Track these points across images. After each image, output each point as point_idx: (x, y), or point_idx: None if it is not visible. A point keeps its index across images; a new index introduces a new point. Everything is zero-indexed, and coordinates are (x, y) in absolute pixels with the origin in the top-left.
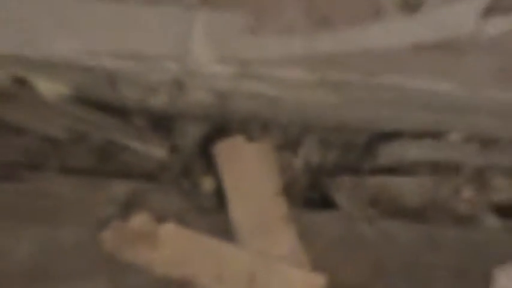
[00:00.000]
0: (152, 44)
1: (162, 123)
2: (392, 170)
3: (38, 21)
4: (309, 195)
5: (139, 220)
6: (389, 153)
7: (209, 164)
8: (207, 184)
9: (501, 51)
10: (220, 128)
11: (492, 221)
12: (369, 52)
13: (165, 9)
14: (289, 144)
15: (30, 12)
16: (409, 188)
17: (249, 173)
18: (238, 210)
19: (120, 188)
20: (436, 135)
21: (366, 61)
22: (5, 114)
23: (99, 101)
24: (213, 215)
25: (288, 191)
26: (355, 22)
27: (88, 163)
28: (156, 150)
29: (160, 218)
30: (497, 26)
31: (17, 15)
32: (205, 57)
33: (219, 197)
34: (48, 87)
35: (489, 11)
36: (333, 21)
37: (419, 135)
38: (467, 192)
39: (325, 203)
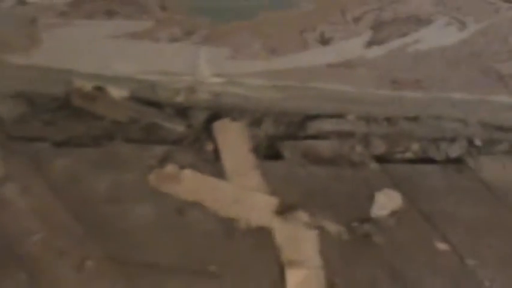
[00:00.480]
0: (176, 65)
1: (182, 111)
2: (315, 137)
3: (111, 54)
4: (267, 152)
5: (170, 168)
6: (314, 127)
7: (210, 135)
8: (209, 146)
9: (380, 67)
10: (216, 113)
11: (373, 166)
12: (301, 68)
13: (182, 44)
14: (255, 123)
15: (107, 49)
16: (325, 146)
17: (233, 140)
18: (227, 161)
19: (158, 150)
20: (340, 115)
21: (300, 74)
22: (90, 108)
23: (146, 99)
24: (213, 164)
25: (255, 150)
26: (292, 51)
27: (140, 136)
28: (179, 127)
29: (182, 167)
30: (375, 52)
31: (99, 51)
32: (206, 72)
33: (216, 154)
34: (116, 91)
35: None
36: (279, 50)
37: (331, 116)
38: (359, 149)
39: (277, 156)
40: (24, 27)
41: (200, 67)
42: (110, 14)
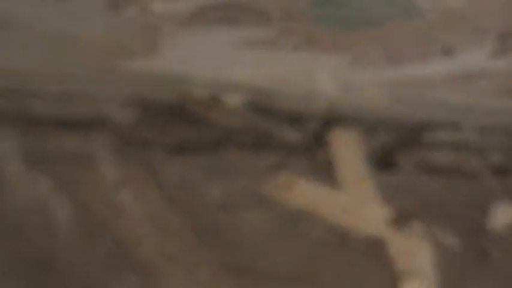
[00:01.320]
0: (294, 73)
1: (296, 119)
2: (430, 147)
3: (230, 62)
4: (381, 162)
5: (283, 176)
6: (429, 137)
7: (323, 143)
8: (322, 155)
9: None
10: (330, 122)
11: (490, 177)
12: (420, 78)
13: (303, 53)
14: (369, 131)
15: (226, 56)
16: (440, 157)
17: (346, 149)
18: (340, 170)
19: (272, 157)
20: (456, 126)
21: (418, 83)
22: (205, 115)
23: (261, 107)
24: (326, 173)
25: (369, 159)
26: (413, 60)
27: (253, 143)
28: (293, 135)
29: (295, 175)
30: (497, 63)
31: (218, 59)
32: (324, 81)
33: (329, 162)
34: (231, 99)
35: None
36: (399, 60)
37: (447, 126)
38: (475, 160)
39: (391, 166)
40: (145, 35)
41: (318, 75)
42: (232, 22)
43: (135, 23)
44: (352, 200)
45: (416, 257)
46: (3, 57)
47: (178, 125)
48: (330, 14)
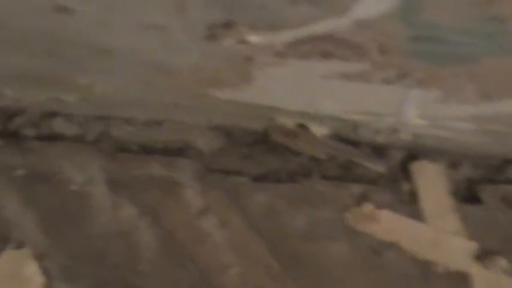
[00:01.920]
0: (382, 106)
1: (379, 150)
2: None
3: (318, 93)
4: (466, 195)
5: (367, 207)
6: None
7: (407, 175)
8: (406, 187)
9: None
10: (414, 154)
11: None
12: (510, 114)
13: (394, 86)
14: (454, 165)
15: (315, 88)
16: None
17: (430, 182)
18: (424, 203)
19: (355, 188)
20: None
21: (508, 119)
22: (289, 143)
23: (345, 137)
24: (410, 205)
25: (454, 193)
26: (505, 96)
27: (337, 173)
28: (377, 166)
29: (379, 206)
30: None
31: (307, 90)
32: (412, 114)
33: (413, 195)
34: (317, 129)
35: None
36: (491, 96)
37: None
38: None
39: (475, 200)
40: (238, 65)
41: (406, 109)
42: (326, 55)
43: (230, 53)
44: (436, 233)
45: None
46: (98, 84)
47: (263, 153)
48: (426, 50)
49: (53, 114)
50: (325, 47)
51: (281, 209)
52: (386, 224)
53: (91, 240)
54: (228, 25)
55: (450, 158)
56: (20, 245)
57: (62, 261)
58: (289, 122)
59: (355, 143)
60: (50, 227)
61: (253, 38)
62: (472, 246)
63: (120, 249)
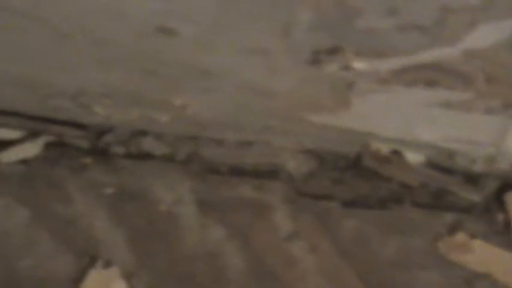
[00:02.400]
0: (482, 135)
1: (473, 179)
2: None
3: (417, 120)
4: None
5: (460, 236)
6: None
7: (502, 205)
8: (500, 217)
9: None
10: (509, 183)
11: None
12: None
13: (497, 116)
14: None
15: (414, 115)
16: None
17: None
18: None
19: (448, 217)
20: None
21: None
22: (381, 169)
23: (440, 165)
24: (504, 236)
25: None
26: None
27: (429, 201)
28: (472, 195)
29: (472, 236)
30: None
31: (406, 117)
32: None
33: (507, 225)
34: (412, 156)
35: None
36: None
37: None
38: None
39: None
40: (338, 90)
41: (507, 138)
42: (430, 83)
43: (331, 79)
44: None
45: None
46: (193, 104)
47: (354, 178)
48: None
49: (142, 133)
50: (431, 75)
51: (372, 236)
52: (480, 254)
53: (179, 260)
54: (333, 51)
55: None
56: (108, 264)
57: (149, 281)
58: (383, 148)
59: (448, 171)
60: (138, 247)
61: (358, 64)
62: None
63: (207, 271)
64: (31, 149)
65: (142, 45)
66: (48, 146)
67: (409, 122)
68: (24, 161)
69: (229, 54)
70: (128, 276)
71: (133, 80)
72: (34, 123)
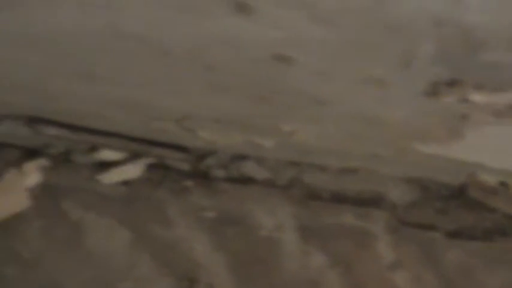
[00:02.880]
0: None
1: None
2: None
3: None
4: None
5: None
6: None
7: None
8: None
9: None
10: None
11: None
12: None
13: None
14: None
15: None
16: None
17: None
18: None
19: None
20: None
21: None
22: (487, 201)
23: None
24: None
25: None
26: None
27: None
28: None
29: None
30: None
31: (508, 152)
32: None
33: None
34: None
35: None
36: None
37: None
38: None
39: None
40: (451, 122)
41: None
42: None
43: (446, 110)
44: None
45: None
46: (301, 131)
47: (458, 208)
48: None
49: (243, 157)
50: None
51: (476, 267)
52: None
53: (279, 286)
54: (452, 83)
55: None
56: None
57: None
58: (490, 179)
59: None
60: (238, 271)
61: (477, 97)
62: None
63: None
64: (133, 171)
65: (256, 72)
66: (149, 168)
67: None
68: (125, 183)
69: (345, 83)
70: None
71: (244, 106)
72: (136, 145)
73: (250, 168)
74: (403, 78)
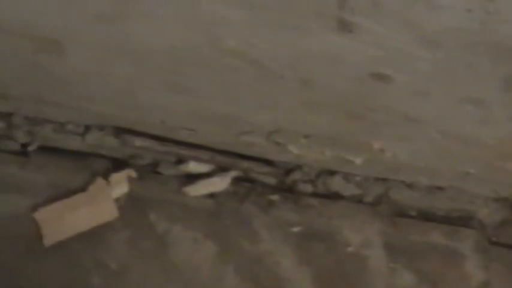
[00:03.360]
0: None
1: None
2: None
3: None
4: None
5: None
6: None
7: None
8: None
9: None
10: None
11: None
12: None
13: None
14: None
15: None
16: None
17: None
18: None
19: None
20: None
21: None
22: None
23: None
24: None
25: None
26: None
27: None
28: None
29: None
30: None
31: None
32: None
33: None
34: None
35: None
36: None
37: None
38: None
39: None
40: None
41: None
42: None
43: None
44: None
45: None
46: (393, 149)
47: None
48: None
49: (330, 172)
50: None
51: None
52: None
53: None
54: None
55: None
56: None
57: None
58: None
59: None
60: (324, 287)
61: None
62: None
63: None
64: (219, 184)
65: (352, 89)
66: (235, 181)
67: None
68: (211, 195)
69: (442, 103)
70: None
71: (336, 122)
72: (223, 157)
73: (337, 184)
74: (504, 100)
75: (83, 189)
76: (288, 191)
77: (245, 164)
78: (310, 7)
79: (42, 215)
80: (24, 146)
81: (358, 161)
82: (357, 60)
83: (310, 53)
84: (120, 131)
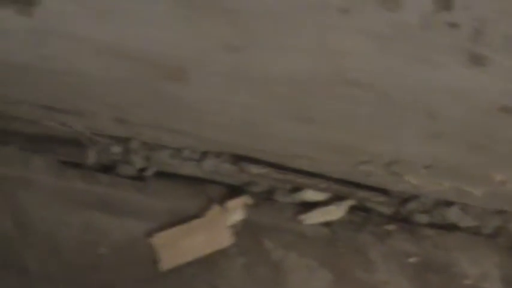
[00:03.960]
0: None
1: None
2: None
3: None
4: None
5: None
6: None
7: None
8: None
9: None
10: None
11: None
12: None
13: None
14: None
15: None
16: None
17: None
18: None
19: None
20: None
21: None
22: None
23: None
24: None
25: None
26: None
27: None
28: None
29: None
30: None
31: None
32: None
33: None
34: None
35: None
36: None
37: None
38: None
39: None
40: None
41: None
42: None
43: None
44: None
45: None
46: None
47: None
48: None
49: (447, 203)
50: None
51: None
52: None
53: None
54: None
55: None
56: None
57: None
58: None
59: None
60: None
61: None
62: None
63: None
64: (335, 212)
65: (479, 121)
66: (351, 210)
67: None
68: (327, 224)
69: None
70: None
71: (459, 154)
72: (340, 186)
73: (454, 215)
74: None
75: (199, 215)
76: (404, 221)
77: (361, 193)
78: (442, 40)
79: (159, 240)
80: (141, 171)
81: (478, 192)
82: (486, 93)
83: (439, 85)
84: (237, 158)
